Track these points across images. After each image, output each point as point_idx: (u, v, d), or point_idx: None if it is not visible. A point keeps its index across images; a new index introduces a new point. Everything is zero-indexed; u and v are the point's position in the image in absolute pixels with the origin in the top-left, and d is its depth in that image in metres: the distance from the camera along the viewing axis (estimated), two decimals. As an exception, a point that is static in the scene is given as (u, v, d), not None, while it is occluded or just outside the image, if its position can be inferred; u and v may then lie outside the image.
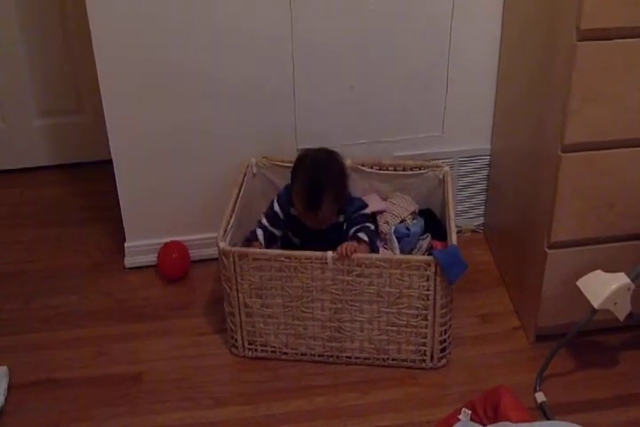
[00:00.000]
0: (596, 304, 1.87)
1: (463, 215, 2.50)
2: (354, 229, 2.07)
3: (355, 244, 1.98)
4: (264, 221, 2.13)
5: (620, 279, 1.88)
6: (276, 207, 2.13)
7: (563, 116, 1.82)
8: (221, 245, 1.97)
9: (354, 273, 1.95)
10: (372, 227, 2.11)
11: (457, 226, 2.03)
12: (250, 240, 2.12)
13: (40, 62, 2.72)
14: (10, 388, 2.03)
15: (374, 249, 2.09)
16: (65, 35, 2.68)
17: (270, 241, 2.13)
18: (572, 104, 1.79)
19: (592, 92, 1.79)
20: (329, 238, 2.04)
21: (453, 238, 1.96)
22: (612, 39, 1.74)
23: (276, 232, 2.14)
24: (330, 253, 1.93)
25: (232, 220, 2.06)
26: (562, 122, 1.82)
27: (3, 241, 2.57)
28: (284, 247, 2.11)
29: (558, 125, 1.84)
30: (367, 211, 2.12)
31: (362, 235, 2.04)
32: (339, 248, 1.93)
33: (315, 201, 1.99)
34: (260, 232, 2.11)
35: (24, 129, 2.82)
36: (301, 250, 2.04)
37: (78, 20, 2.50)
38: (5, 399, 2.00)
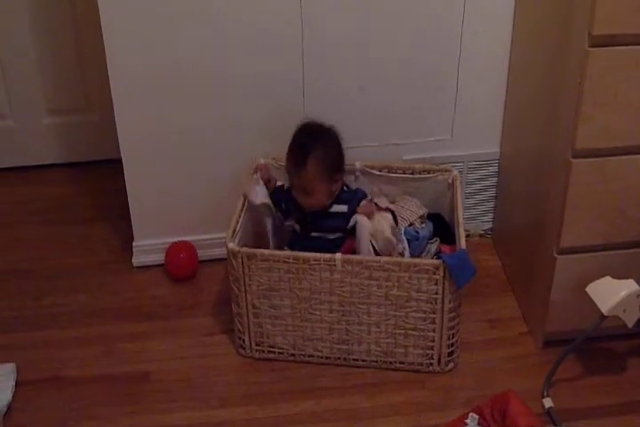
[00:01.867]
0: (604, 311, 1.87)
1: (471, 220, 2.50)
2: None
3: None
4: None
5: (630, 286, 1.87)
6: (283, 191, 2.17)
7: (574, 122, 1.81)
8: (230, 245, 1.98)
9: (362, 276, 1.95)
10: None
11: (465, 230, 2.03)
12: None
13: (50, 61, 2.72)
14: (17, 385, 2.03)
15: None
16: (75, 33, 2.68)
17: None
18: (583, 109, 1.79)
19: (604, 98, 1.79)
20: (329, 226, 2.06)
21: (462, 243, 1.96)
22: (624, 45, 1.73)
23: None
24: (339, 256, 1.93)
25: (241, 220, 2.07)
26: (573, 127, 1.82)
27: (11, 239, 2.57)
28: (291, 238, 2.14)
29: (569, 130, 1.84)
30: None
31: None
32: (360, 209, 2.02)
33: (302, 155, 2.00)
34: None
35: (33, 127, 2.82)
36: (302, 238, 2.09)
37: (89, 19, 2.50)
38: (13, 396, 2.00)
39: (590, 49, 1.73)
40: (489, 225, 2.52)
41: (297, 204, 2.09)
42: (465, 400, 1.98)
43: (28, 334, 2.20)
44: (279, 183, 2.19)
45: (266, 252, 1.99)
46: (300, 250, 2.03)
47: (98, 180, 2.82)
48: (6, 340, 2.17)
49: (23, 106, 2.78)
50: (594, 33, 1.71)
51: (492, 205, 2.49)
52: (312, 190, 2.03)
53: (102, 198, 2.73)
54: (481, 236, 2.52)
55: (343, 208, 2.07)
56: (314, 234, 2.10)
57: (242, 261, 1.97)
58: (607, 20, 1.69)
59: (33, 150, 2.86)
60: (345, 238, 2.09)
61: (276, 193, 2.17)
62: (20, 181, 2.83)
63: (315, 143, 2.03)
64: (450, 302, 1.96)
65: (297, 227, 2.13)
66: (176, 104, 2.21)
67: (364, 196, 2.11)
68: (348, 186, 2.14)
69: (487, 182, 2.45)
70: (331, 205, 2.08)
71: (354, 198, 2.09)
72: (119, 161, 2.30)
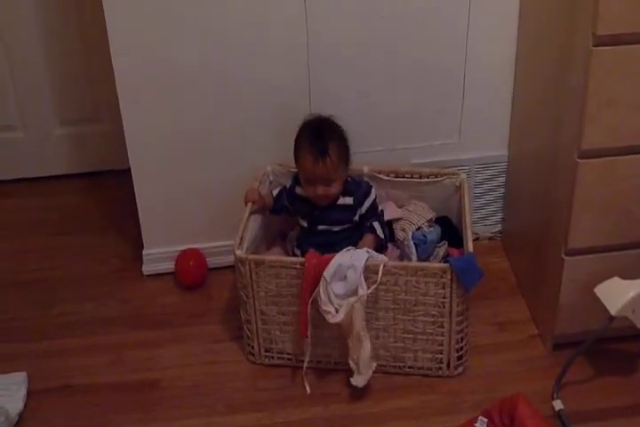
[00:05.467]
0: (613, 312, 1.86)
1: (480, 222, 2.49)
2: (369, 222, 2.13)
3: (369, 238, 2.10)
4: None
5: (639, 286, 1.86)
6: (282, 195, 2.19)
7: (580, 122, 1.81)
8: (238, 252, 1.98)
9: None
10: (383, 219, 2.18)
11: (474, 233, 2.02)
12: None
13: (60, 72, 2.75)
14: (28, 394, 2.04)
15: (382, 242, 2.13)
16: (84, 44, 2.70)
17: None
18: (589, 110, 1.78)
19: (609, 98, 1.78)
20: (336, 219, 2.08)
21: (470, 246, 1.96)
22: (628, 44, 1.73)
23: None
24: (345, 261, 1.93)
25: (249, 227, 2.07)
26: (579, 128, 1.82)
27: (22, 248, 2.59)
28: (299, 234, 2.16)
29: (575, 131, 1.83)
30: (373, 196, 2.14)
31: (375, 224, 2.12)
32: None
33: (323, 145, 2.02)
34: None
35: (44, 138, 2.85)
36: (310, 233, 2.10)
37: (97, 30, 2.51)
38: (24, 405, 2.01)
39: (594, 48, 1.72)
40: (498, 228, 2.51)
41: (304, 200, 2.11)
42: (474, 404, 1.97)
43: (38, 343, 2.21)
44: (275, 191, 2.20)
45: (273, 258, 2.00)
46: (307, 246, 2.04)
47: (109, 190, 2.84)
48: (17, 349, 2.19)
49: (34, 117, 2.81)
50: (598, 33, 1.70)
51: (500, 207, 2.48)
52: (334, 179, 2.05)
53: (113, 208, 2.75)
54: (490, 238, 2.51)
55: (349, 200, 2.10)
56: (320, 227, 2.11)
57: (249, 268, 1.98)
58: (611, 20, 1.69)
59: (44, 161, 2.88)
60: (350, 230, 2.10)
61: (278, 202, 2.18)
62: (32, 192, 2.85)
63: (330, 132, 2.06)
64: (458, 306, 1.95)
65: (304, 223, 2.14)
66: (183, 111, 2.22)
67: (369, 188, 2.14)
68: (351, 177, 2.15)
69: (495, 185, 2.44)
70: (338, 198, 2.10)
71: (358, 189, 2.12)
72: (129, 171, 2.31)
